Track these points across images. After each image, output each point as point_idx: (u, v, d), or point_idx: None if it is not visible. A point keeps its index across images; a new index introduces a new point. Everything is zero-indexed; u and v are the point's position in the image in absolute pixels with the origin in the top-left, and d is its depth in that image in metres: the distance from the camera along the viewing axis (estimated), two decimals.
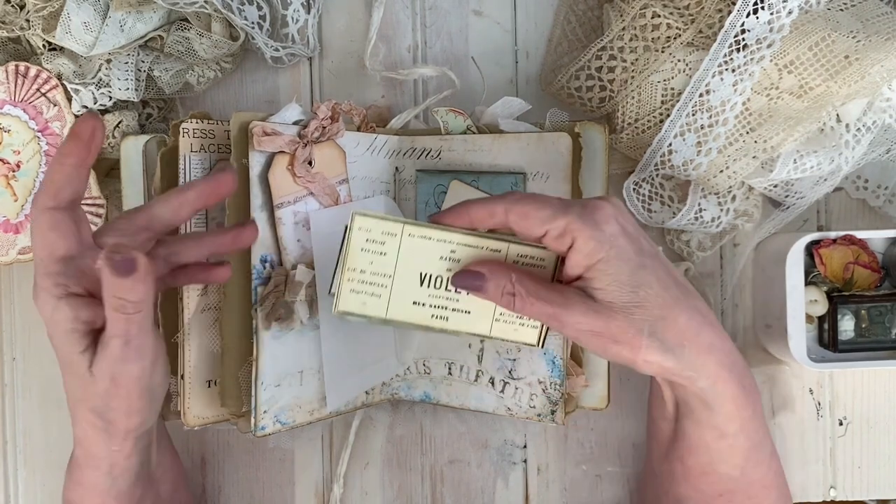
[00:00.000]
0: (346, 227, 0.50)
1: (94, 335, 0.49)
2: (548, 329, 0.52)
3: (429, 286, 0.50)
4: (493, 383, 0.65)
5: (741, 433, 0.53)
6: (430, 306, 0.51)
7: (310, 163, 0.60)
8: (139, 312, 0.47)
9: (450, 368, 0.65)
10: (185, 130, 0.60)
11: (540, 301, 0.49)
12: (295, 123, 0.60)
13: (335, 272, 0.52)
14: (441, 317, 0.51)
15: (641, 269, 0.49)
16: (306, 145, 0.60)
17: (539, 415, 0.64)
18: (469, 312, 0.51)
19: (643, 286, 0.49)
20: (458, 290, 0.51)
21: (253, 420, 0.59)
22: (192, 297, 0.60)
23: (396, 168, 0.66)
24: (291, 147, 0.59)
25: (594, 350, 0.50)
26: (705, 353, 0.51)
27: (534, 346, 0.52)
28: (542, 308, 0.49)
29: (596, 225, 0.48)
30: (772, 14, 0.60)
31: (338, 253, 0.51)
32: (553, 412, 0.63)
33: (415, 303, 0.51)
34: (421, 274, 0.50)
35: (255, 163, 0.58)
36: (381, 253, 0.50)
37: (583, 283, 0.49)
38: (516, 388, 0.64)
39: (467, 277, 0.50)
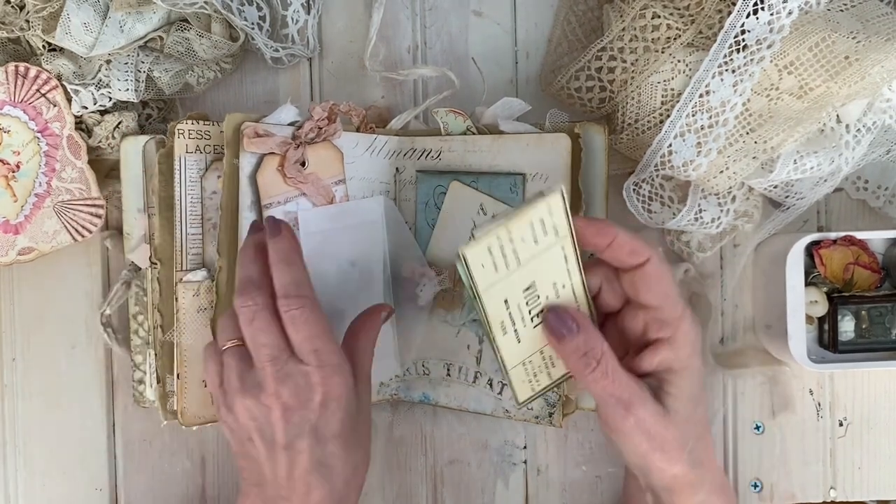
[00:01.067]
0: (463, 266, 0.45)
1: None
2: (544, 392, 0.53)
3: (526, 295, 0.48)
4: (491, 385, 0.65)
5: None
6: (509, 315, 0.48)
7: (303, 163, 0.60)
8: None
9: (448, 369, 0.65)
10: (181, 132, 0.60)
11: (617, 383, 0.48)
12: (290, 124, 0.60)
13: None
14: (505, 329, 0.49)
15: (701, 387, 0.51)
16: (298, 146, 0.59)
17: (537, 417, 0.63)
18: (520, 342, 0.50)
19: (700, 404, 0.50)
20: (543, 321, 0.49)
21: None
22: (187, 297, 0.60)
23: (396, 169, 0.66)
24: (282, 148, 0.59)
25: (631, 446, 0.50)
26: (712, 472, 0.53)
27: (519, 403, 0.52)
28: (616, 389, 0.48)
29: (696, 334, 0.49)
30: (772, 15, 0.60)
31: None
32: (551, 414, 0.63)
33: (506, 301, 0.48)
34: (532, 283, 0.48)
35: (246, 163, 0.58)
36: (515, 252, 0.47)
37: (656, 381, 0.50)
38: None
39: (564, 318, 0.48)
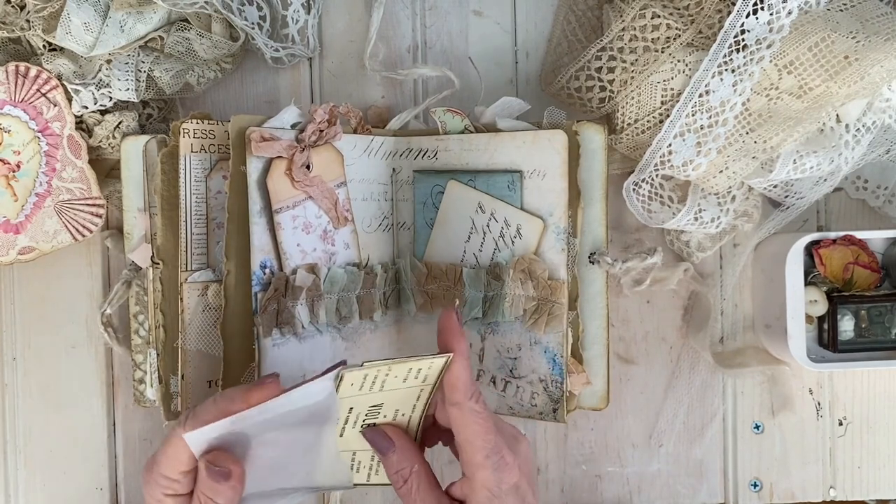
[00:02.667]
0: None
1: None
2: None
3: (370, 410, 0.53)
4: (494, 382, 0.65)
5: None
6: (346, 417, 0.53)
7: (308, 167, 0.60)
8: None
9: None
10: (186, 131, 0.60)
11: (422, 502, 0.52)
12: (293, 126, 0.60)
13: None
14: (339, 423, 0.53)
15: None
16: (304, 149, 0.59)
17: (541, 413, 0.63)
18: (342, 436, 0.54)
19: None
20: (364, 434, 0.54)
21: None
22: (192, 297, 0.60)
23: (393, 169, 0.66)
24: (289, 152, 0.59)
25: None
26: None
27: (350, 485, 0.56)
28: None
29: (499, 479, 0.50)
30: (771, 15, 0.60)
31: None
32: (555, 410, 0.63)
33: (350, 408, 0.53)
34: (380, 404, 0.53)
35: (253, 168, 0.58)
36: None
37: None
38: (517, 387, 0.64)
39: (379, 437, 0.53)
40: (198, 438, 0.50)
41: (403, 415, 0.54)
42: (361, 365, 0.50)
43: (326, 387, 0.50)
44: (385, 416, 0.53)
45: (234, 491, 0.51)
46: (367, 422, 0.53)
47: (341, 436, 0.54)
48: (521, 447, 0.53)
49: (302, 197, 0.60)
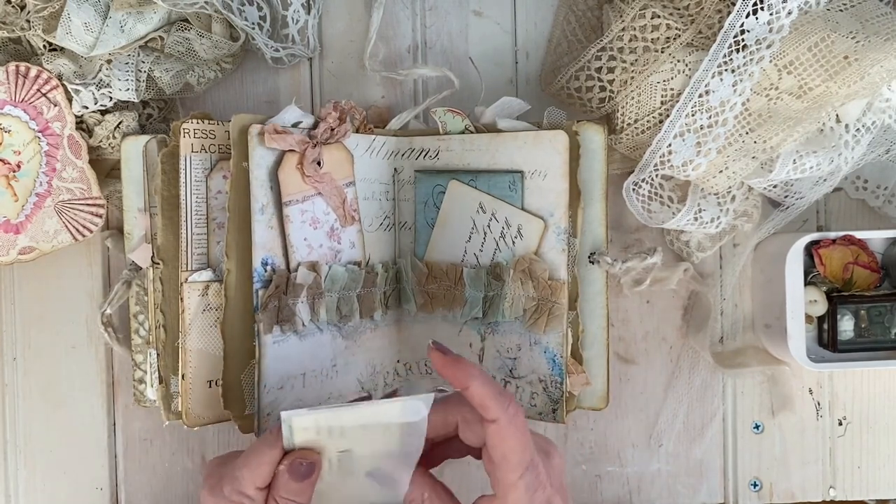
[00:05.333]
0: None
1: None
2: None
3: (340, 455, 0.53)
4: None
5: None
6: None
7: (319, 163, 0.60)
8: None
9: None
10: (186, 131, 0.60)
11: None
12: (294, 125, 0.60)
13: None
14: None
15: None
16: (315, 145, 0.60)
17: (540, 413, 0.64)
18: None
19: None
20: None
21: (256, 423, 0.59)
22: (192, 297, 0.60)
23: (395, 169, 0.66)
24: (301, 146, 0.59)
25: None
26: None
27: None
28: None
29: (531, 498, 0.50)
30: (771, 15, 0.60)
31: None
32: (554, 410, 0.63)
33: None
34: (349, 450, 0.52)
35: (262, 161, 0.58)
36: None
37: None
38: (517, 387, 0.64)
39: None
40: (303, 423, 0.50)
41: (382, 454, 0.53)
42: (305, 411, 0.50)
43: (416, 408, 0.50)
44: (363, 456, 0.53)
45: (313, 488, 0.51)
46: (344, 470, 0.53)
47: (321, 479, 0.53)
48: (555, 461, 0.52)
49: (311, 192, 0.60)
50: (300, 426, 0.50)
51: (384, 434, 0.51)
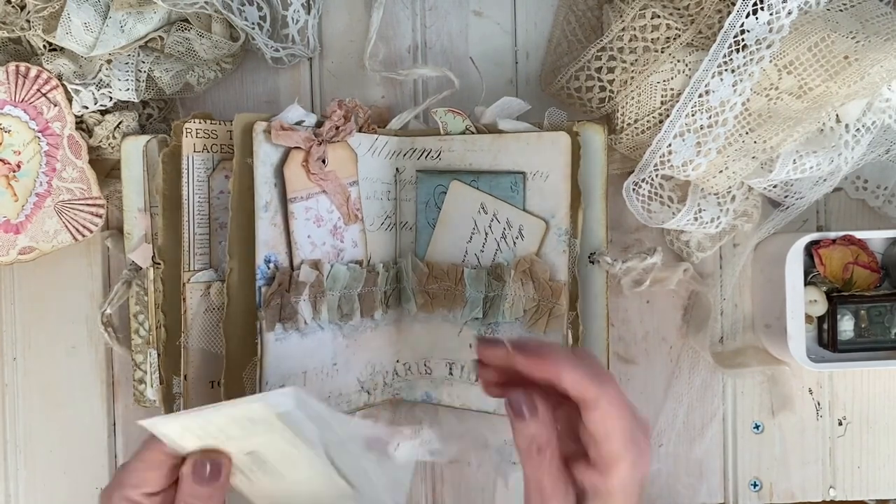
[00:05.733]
0: None
1: None
2: None
3: (250, 457, 0.50)
4: None
5: None
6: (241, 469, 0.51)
7: (323, 161, 0.60)
8: None
9: (451, 369, 0.65)
10: (189, 130, 0.60)
11: (552, 476, 0.48)
12: (297, 124, 0.60)
13: None
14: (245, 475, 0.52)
15: None
16: (321, 143, 0.60)
17: None
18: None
19: None
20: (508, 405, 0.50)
21: None
22: (194, 298, 0.60)
23: (397, 169, 0.66)
24: (307, 144, 0.59)
25: None
26: None
27: None
28: (547, 481, 0.49)
29: (633, 476, 0.47)
30: (771, 15, 0.60)
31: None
32: None
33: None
34: (254, 451, 0.50)
35: (266, 158, 0.58)
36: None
37: (581, 494, 0.49)
38: None
39: (522, 399, 0.49)
40: (167, 429, 0.47)
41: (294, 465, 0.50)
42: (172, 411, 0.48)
43: (278, 401, 0.47)
44: (279, 461, 0.50)
45: (223, 492, 0.49)
46: (258, 470, 0.51)
47: (238, 490, 0.51)
48: (648, 442, 0.50)
49: (316, 190, 0.60)
50: (173, 433, 0.48)
51: (272, 431, 0.48)
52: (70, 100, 0.64)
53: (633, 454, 0.47)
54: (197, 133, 0.60)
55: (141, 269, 0.65)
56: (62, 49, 0.64)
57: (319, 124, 0.61)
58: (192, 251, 0.61)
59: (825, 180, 0.64)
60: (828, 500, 0.71)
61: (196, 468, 0.48)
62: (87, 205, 0.65)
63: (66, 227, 0.65)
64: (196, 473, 0.48)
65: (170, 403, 0.63)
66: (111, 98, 0.64)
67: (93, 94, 0.64)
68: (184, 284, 0.60)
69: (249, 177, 0.57)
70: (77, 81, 0.64)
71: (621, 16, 0.64)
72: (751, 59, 0.60)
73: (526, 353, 0.49)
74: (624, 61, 0.64)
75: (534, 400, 0.49)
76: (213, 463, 0.49)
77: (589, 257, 0.65)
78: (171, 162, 0.61)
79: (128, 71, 0.63)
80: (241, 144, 0.58)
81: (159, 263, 0.62)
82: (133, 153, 0.64)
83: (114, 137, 0.65)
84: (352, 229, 0.63)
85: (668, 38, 0.63)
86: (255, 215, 0.58)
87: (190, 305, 0.60)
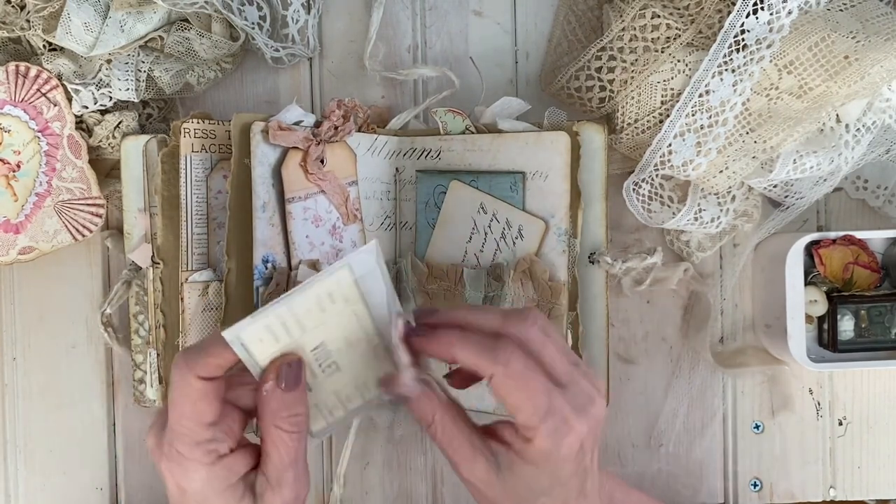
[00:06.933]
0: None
1: (245, 481, 0.49)
2: None
3: (315, 352, 0.48)
4: None
5: None
6: None
7: (322, 161, 0.60)
8: (302, 431, 0.48)
9: (450, 368, 0.65)
10: (187, 131, 0.60)
11: (449, 444, 0.49)
12: (296, 124, 0.60)
13: None
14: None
15: (561, 491, 0.48)
16: (319, 143, 0.60)
17: None
18: (311, 391, 0.50)
19: (549, 501, 0.48)
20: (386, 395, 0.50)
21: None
22: (192, 297, 0.60)
23: (396, 169, 0.66)
24: (305, 144, 0.59)
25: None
26: None
27: (313, 433, 0.51)
28: (447, 449, 0.49)
29: (558, 443, 0.47)
30: (771, 14, 0.60)
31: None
32: None
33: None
34: (321, 342, 0.48)
35: (264, 158, 0.58)
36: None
37: (502, 454, 0.48)
38: None
39: (395, 391, 0.49)
40: (255, 333, 0.45)
41: (358, 340, 0.49)
42: (253, 316, 0.44)
43: (362, 260, 0.46)
44: (339, 349, 0.49)
45: (305, 395, 0.47)
46: (324, 366, 0.49)
47: (310, 390, 0.49)
48: (594, 409, 0.48)
49: (314, 190, 0.60)
50: (253, 338, 0.45)
51: (346, 305, 0.47)
52: (70, 100, 0.64)
53: (550, 424, 0.46)
54: (195, 133, 0.60)
55: (141, 269, 0.65)
56: (62, 49, 0.64)
57: (318, 124, 0.61)
58: (189, 251, 0.61)
59: (825, 180, 0.64)
60: (828, 500, 0.71)
61: (281, 374, 0.46)
62: (87, 205, 0.65)
63: (66, 227, 0.65)
64: (284, 378, 0.46)
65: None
66: (111, 98, 0.64)
67: (93, 93, 0.64)
68: (182, 284, 0.60)
69: (246, 177, 0.58)
70: (77, 81, 0.64)
71: (621, 16, 0.64)
72: (751, 59, 0.60)
73: (419, 340, 0.48)
74: (624, 61, 0.64)
75: (399, 388, 0.48)
76: (294, 364, 0.46)
77: (589, 257, 0.65)
78: (169, 162, 0.61)
79: (128, 71, 0.63)
80: (238, 144, 0.58)
81: (158, 263, 0.62)
82: (133, 153, 0.64)
83: (113, 137, 0.65)
84: (351, 229, 0.63)
85: (668, 37, 0.63)
86: (252, 215, 0.58)
87: (188, 305, 0.60)
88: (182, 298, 0.60)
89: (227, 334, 0.44)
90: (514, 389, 0.46)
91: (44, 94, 0.64)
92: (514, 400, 0.46)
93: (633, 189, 0.65)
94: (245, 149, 0.58)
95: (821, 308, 0.65)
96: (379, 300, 0.48)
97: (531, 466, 0.48)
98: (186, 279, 0.61)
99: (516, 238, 0.63)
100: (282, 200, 0.59)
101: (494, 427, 0.50)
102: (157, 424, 0.49)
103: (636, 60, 0.63)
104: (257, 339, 0.45)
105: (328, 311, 0.47)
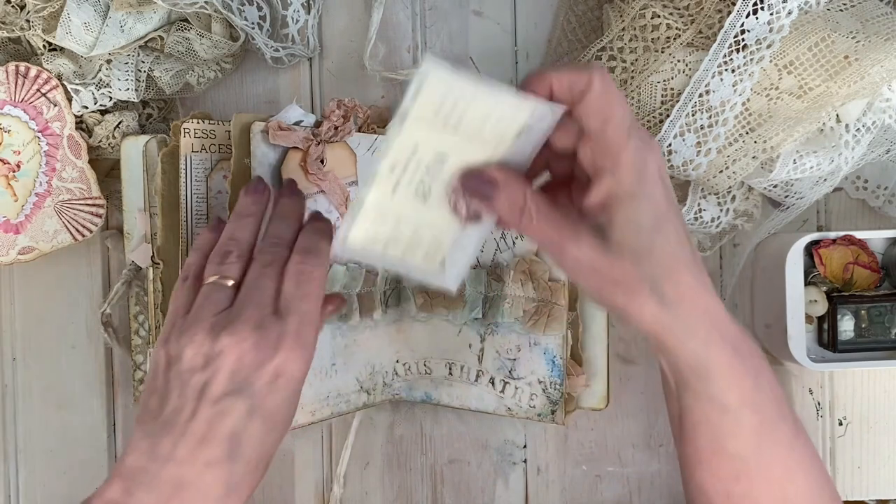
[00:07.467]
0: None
1: None
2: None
3: (435, 156, 0.45)
4: (493, 383, 0.65)
5: (745, 407, 0.49)
6: (405, 163, 0.45)
7: (322, 161, 0.60)
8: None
9: (450, 369, 0.65)
10: (187, 131, 0.60)
11: (549, 225, 0.46)
12: (296, 124, 0.60)
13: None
14: (393, 170, 0.45)
15: (665, 220, 0.46)
16: (319, 143, 0.60)
17: (539, 415, 0.64)
18: (394, 194, 0.46)
19: (662, 236, 0.46)
20: (461, 188, 0.46)
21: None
22: None
23: None
24: (305, 144, 0.59)
25: (589, 289, 0.48)
26: (700, 315, 0.47)
27: (347, 242, 0.47)
28: (547, 232, 0.46)
29: (644, 159, 0.45)
30: (771, 14, 0.60)
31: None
32: (553, 412, 0.63)
33: (416, 146, 0.45)
34: (445, 153, 0.45)
35: (264, 159, 0.58)
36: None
37: (603, 216, 0.46)
38: (516, 388, 0.64)
39: (478, 182, 0.46)
40: (440, 75, 0.43)
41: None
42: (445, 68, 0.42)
43: (544, 113, 0.43)
44: (447, 182, 0.46)
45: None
46: (424, 180, 0.46)
47: (392, 193, 0.45)
48: (656, 143, 0.47)
49: (314, 190, 0.60)
50: (437, 78, 0.43)
51: (497, 138, 0.45)
52: (70, 100, 0.64)
53: (636, 137, 0.45)
54: (195, 133, 0.60)
55: (141, 269, 0.65)
56: (62, 49, 0.64)
57: (318, 124, 0.61)
58: (189, 251, 0.61)
59: (825, 180, 0.64)
60: None
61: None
62: (87, 205, 0.65)
63: (66, 227, 0.65)
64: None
65: None
66: (111, 98, 0.64)
67: (93, 93, 0.64)
68: None
69: (247, 177, 0.58)
70: (77, 81, 0.64)
71: (621, 16, 0.64)
72: (751, 59, 0.60)
73: (526, 80, 0.46)
74: (624, 61, 0.64)
75: (485, 178, 0.46)
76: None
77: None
78: (169, 162, 0.61)
79: (128, 71, 0.63)
80: (238, 145, 0.58)
81: (158, 264, 0.62)
82: (133, 153, 0.64)
83: (113, 137, 0.65)
84: None
85: (668, 37, 0.63)
86: None
87: None
88: None
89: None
90: (607, 96, 0.45)
91: (44, 95, 0.64)
92: (608, 111, 0.45)
93: None
94: (245, 149, 0.58)
95: (821, 308, 0.65)
96: (519, 158, 0.46)
97: (627, 201, 0.45)
98: None
99: (516, 238, 0.63)
100: None
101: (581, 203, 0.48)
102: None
103: (636, 60, 0.63)
104: (432, 91, 0.43)
105: (483, 129, 0.44)
